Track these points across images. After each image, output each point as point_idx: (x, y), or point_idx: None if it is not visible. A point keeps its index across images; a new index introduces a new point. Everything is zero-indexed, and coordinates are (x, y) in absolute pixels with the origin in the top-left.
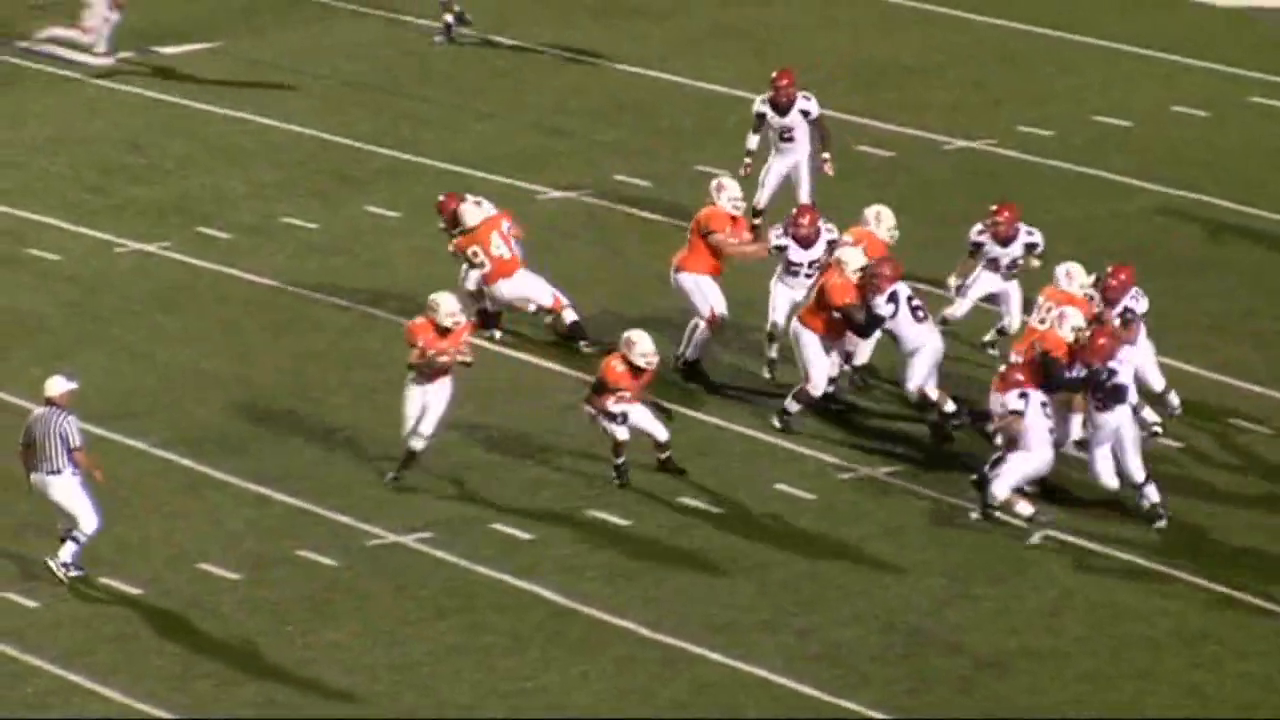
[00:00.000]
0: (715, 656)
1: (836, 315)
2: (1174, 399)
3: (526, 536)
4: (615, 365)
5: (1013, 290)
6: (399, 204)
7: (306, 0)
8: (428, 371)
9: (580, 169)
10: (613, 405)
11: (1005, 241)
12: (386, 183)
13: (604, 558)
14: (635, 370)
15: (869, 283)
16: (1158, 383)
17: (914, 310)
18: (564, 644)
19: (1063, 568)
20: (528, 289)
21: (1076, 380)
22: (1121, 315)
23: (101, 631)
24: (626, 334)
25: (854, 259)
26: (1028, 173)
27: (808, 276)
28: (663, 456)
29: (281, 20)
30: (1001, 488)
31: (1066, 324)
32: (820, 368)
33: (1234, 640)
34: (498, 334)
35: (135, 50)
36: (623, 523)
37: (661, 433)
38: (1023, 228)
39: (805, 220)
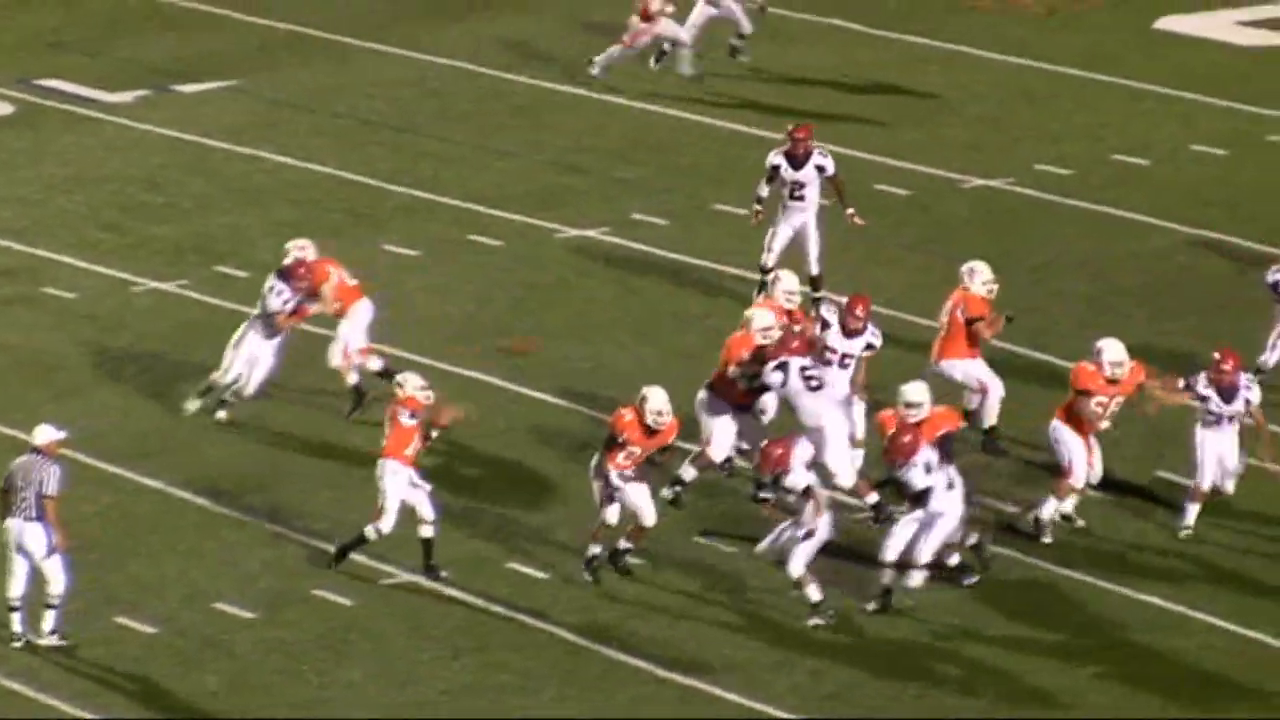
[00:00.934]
0: (730, 696)
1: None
2: (1188, 519)
3: (542, 576)
4: (625, 415)
5: None
6: (417, 242)
7: (324, 39)
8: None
9: (598, 207)
10: (614, 475)
11: None
12: (404, 221)
13: (619, 597)
14: (647, 429)
15: (772, 348)
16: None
17: (807, 380)
18: (579, 683)
19: (1077, 607)
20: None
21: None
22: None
23: (116, 671)
24: (644, 390)
25: (760, 319)
26: (1046, 211)
27: (843, 367)
28: (631, 547)
29: (300, 59)
30: (798, 566)
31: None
32: (722, 433)
33: (1250, 681)
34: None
35: (153, 89)
36: (637, 562)
37: (648, 518)
38: None
39: (860, 311)
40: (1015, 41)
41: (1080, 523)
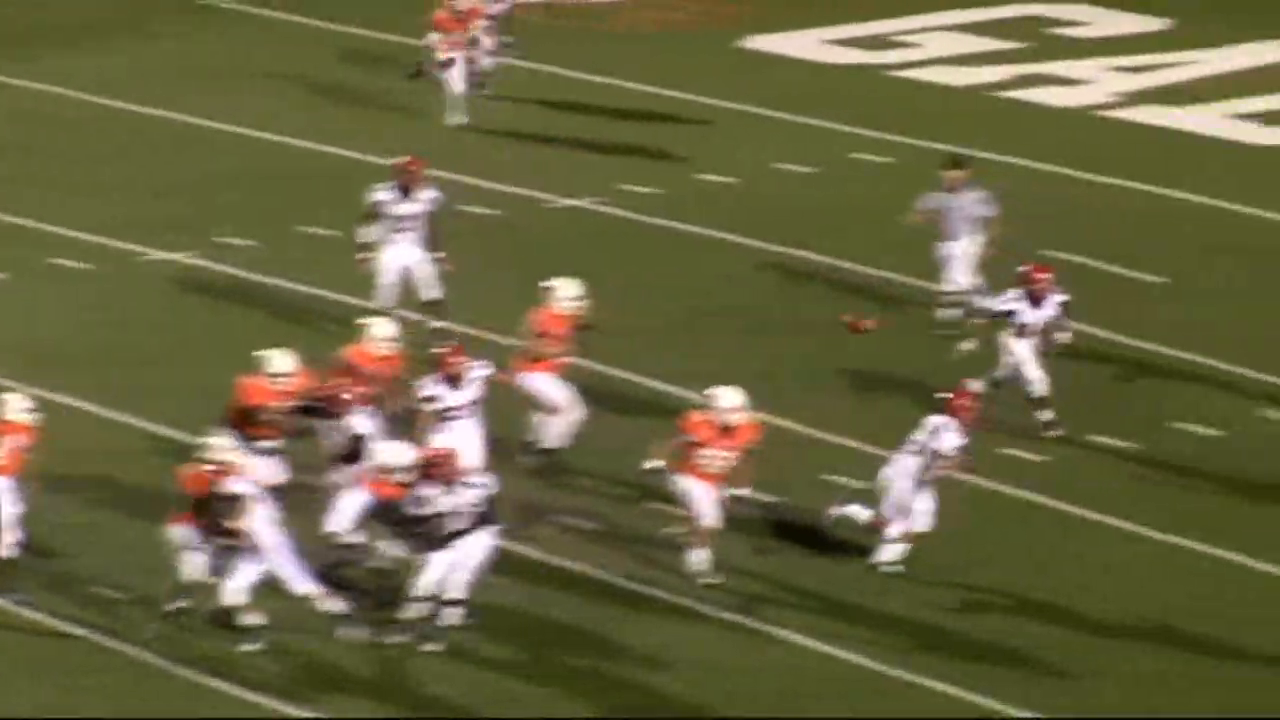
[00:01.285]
0: (319, 716)
1: (263, 418)
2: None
3: (122, 596)
4: (191, 471)
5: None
6: (6, 267)
7: None
8: None
9: (191, 232)
10: (186, 533)
11: (1039, 302)
12: None
13: (203, 620)
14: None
15: (334, 400)
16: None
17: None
18: (162, 705)
19: (662, 625)
20: None
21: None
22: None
23: None
24: (206, 439)
25: (274, 362)
26: (634, 232)
27: (467, 416)
28: (229, 609)
29: None
30: (236, 593)
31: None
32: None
33: (828, 694)
34: None
35: None
36: (214, 580)
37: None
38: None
39: (454, 359)
40: (599, 61)
41: (716, 580)
